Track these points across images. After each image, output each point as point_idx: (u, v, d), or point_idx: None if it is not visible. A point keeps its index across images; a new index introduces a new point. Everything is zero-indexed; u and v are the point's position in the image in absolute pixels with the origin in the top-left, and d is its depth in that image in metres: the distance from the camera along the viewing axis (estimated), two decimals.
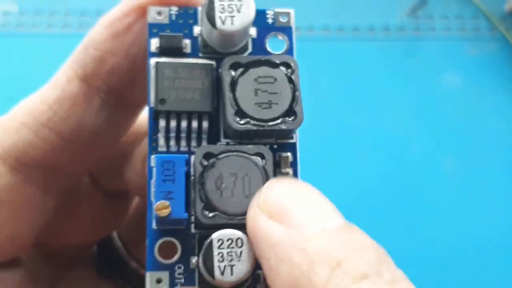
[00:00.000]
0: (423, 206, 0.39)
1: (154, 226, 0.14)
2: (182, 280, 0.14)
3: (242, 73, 0.14)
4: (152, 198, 0.13)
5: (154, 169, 0.13)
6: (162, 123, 0.14)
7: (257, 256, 0.12)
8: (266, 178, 0.13)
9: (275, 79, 0.14)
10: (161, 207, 0.13)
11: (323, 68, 0.44)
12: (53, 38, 0.45)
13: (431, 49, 0.44)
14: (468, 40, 0.45)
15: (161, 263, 0.14)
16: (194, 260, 0.14)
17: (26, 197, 0.14)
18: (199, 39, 0.15)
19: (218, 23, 0.14)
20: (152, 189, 0.14)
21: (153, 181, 0.14)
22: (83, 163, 0.15)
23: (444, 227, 0.37)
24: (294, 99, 0.15)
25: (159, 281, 0.13)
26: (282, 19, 0.16)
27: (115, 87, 0.14)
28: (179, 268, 0.14)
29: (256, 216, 0.12)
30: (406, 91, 0.43)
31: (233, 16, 0.14)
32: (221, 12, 0.14)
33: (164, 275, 0.14)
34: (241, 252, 0.13)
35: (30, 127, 0.14)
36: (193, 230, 0.14)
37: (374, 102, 0.42)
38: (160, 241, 0.14)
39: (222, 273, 0.12)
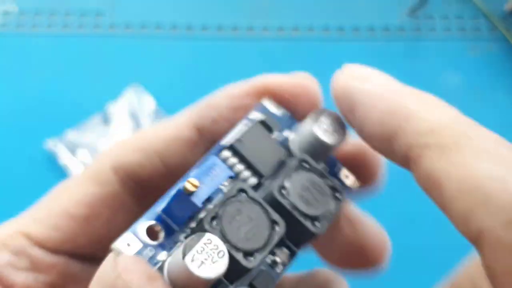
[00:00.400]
0: (423, 206, 0.39)
1: (163, 205, 0.14)
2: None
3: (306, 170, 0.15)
4: (191, 175, 0.14)
5: (212, 159, 0.15)
6: (226, 153, 0.16)
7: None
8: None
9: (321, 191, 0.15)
10: (193, 182, 0.14)
11: (323, 68, 0.44)
12: (53, 38, 0.45)
13: (431, 49, 0.44)
14: (468, 40, 0.45)
15: (145, 242, 0.14)
16: (182, 237, 0.14)
17: (123, 205, 0.17)
18: (288, 143, 0.16)
19: (322, 136, 0.15)
20: (195, 170, 0.14)
21: (202, 165, 0.15)
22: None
23: (443, 226, 0.37)
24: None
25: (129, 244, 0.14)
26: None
27: (216, 139, 0.16)
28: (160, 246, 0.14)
29: None
30: None
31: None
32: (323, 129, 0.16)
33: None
34: (216, 262, 0.13)
35: (145, 152, 0.17)
36: (182, 237, 0.14)
37: None
38: (153, 223, 0.14)
39: (192, 260, 0.12)
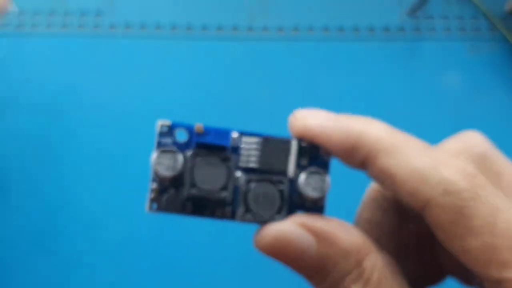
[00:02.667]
0: None
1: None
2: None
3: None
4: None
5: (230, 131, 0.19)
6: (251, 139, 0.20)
7: None
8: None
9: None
10: (199, 127, 0.19)
11: (323, 68, 0.44)
12: (52, 38, 0.45)
13: (431, 49, 0.44)
14: (468, 40, 0.45)
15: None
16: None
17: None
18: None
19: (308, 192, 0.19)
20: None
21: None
22: None
23: None
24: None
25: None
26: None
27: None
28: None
29: None
30: (406, 91, 0.43)
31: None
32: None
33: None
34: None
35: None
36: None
37: (374, 102, 0.42)
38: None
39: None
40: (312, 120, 0.19)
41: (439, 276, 0.21)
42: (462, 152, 0.19)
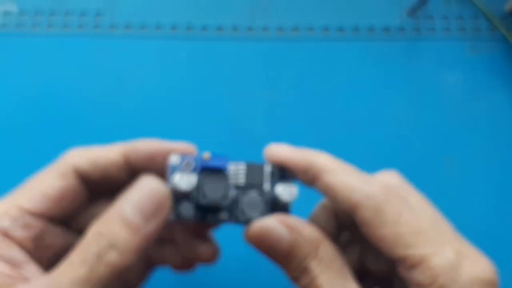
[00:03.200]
0: None
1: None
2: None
3: None
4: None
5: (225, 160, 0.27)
6: (238, 166, 0.27)
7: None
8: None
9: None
10: (206, 155, 0.26)
11: (323, 69, 0.44)
12: (53, 38, 0.45)
13: (431, 49, 0.44)
14: (468, 40, 0.45)
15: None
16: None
17: (79, 192, 0.28)
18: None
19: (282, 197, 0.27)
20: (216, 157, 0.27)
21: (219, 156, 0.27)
22: None
23: None
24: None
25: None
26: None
27: (136, 166, 0.28)
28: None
29: None
30: (405, 91, 0.43)
31: None
32: None
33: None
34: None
35: (92, 164, 0.28)
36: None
37: (374, 102, 0.42)
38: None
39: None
40: (282, 152, 0.27)
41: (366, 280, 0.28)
42: (379, 181, 0.26)
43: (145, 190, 0.24)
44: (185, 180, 0.25)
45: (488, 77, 0.43)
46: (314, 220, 0.28)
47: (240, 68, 0.44)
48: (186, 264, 0.30)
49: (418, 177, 0.39)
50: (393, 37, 0.45)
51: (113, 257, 0.22)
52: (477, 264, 0.23)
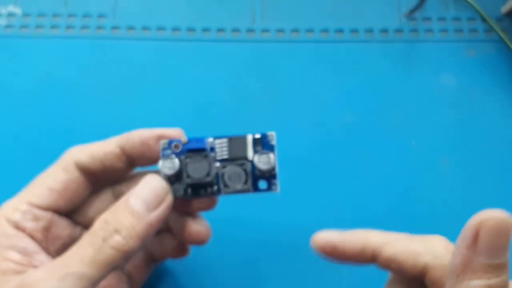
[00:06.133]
0: (422, 207, 0.39)
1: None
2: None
3: None
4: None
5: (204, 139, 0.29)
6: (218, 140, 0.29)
7: None
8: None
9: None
10: (184, 139, 0.29)
11: (322, 70, 0.44)
12: (56, 39, 0.45)
13: (428, 51, 0.45)
14: (465, 42, 0.45)
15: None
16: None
17: (82, 185, 0.30)
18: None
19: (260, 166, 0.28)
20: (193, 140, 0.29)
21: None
22: None
23: (442, 229, 0.37)
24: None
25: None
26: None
27: (132, 156, 0.30)
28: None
29: None
30: (404, 91, 0.43)
31: None
32: None
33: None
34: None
35: (92, 157, 0.30)
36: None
37: (373, 103, 0.43)
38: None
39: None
40: (333, 238, 0.26)
41: None
42: (437, 239, 0.25)
43: (149, 185, 0.26)
44: (167, 166, 0.28)
45: (485, 78, 0.44)
46: None
47: (241, 69, 0.44)
48: (182, 247, 0.32)
49: (415, 178, 0.40)
50: (391, 39, 0.45)
51: (118, 240, 0.24)
52: None
